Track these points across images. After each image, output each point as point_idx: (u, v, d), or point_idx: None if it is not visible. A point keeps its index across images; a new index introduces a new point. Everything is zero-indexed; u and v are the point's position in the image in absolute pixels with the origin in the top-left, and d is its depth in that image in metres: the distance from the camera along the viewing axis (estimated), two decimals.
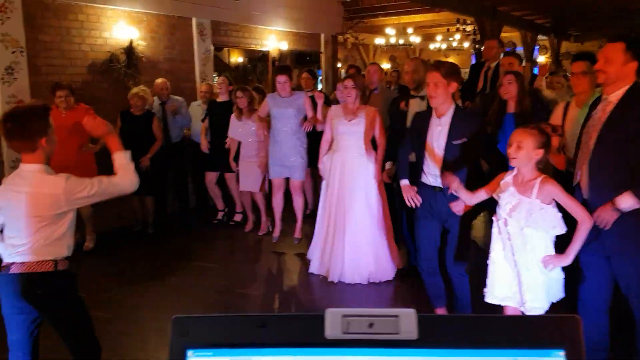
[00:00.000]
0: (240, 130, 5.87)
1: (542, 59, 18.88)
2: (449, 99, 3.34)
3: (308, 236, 5.59)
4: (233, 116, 5.90)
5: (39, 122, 2.26)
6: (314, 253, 4.97)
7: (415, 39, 14.78)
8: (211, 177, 6.47)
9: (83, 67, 6.18)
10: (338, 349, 0.55)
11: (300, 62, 16.81)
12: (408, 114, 4.37)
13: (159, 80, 6.49)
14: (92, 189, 2.31)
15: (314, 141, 6.36)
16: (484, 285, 4.05)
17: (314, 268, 4.92)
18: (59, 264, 2.34)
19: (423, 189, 3.53)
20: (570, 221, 2.69)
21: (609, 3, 10.87)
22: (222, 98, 6.36)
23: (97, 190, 2.32)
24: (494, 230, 2.90)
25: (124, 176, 2.40)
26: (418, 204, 3.49)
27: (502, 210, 2.80)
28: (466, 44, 17.37)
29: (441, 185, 3.40)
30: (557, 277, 2.78)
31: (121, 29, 6.49)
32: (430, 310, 4.02)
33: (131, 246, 5.51)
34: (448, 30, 14.90)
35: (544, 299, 2.78)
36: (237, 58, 14.30)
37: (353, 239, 4.68)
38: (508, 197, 2.78)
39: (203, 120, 6.40)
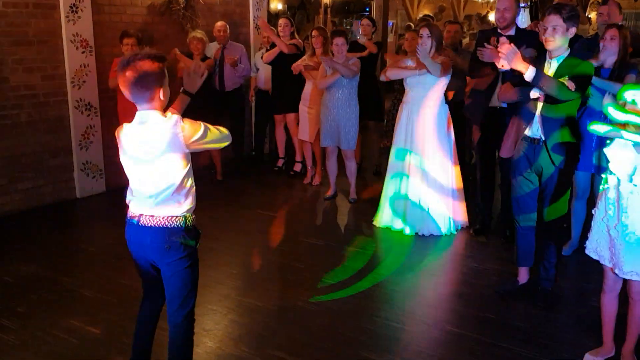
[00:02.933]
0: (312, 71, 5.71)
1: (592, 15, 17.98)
2: (565, 44, 3.20)
3: (362, 196, 5.60)
4: (305, 57, 5.77)
5: (157, 72, 2.20)
6: (380, 203, 4.92)
7: None
8: (279, 118, 6.47)
9: (143, 8, 6.06)
10: None
11: (341, 11, 16.24)
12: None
13: (219, 23, 6.35)
14: (204, 134, 2.24)
15: (375, 96, 6.24)
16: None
17: (378, 219, 4.89)
18: (188, 220, 2.32)
19: (523, 141, 3.41)
20: None
21: None
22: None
23: (208, 136, 2.25)
24: (602, 187, 2.76)
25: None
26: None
27: (618, 168, 2.66)
28: None
29: (540, 136, 3.31)
30: None
31: None
32: (508, 267, 3.95)
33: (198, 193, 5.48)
34: None
35: None
36: (276, 5, 13.92)
37: (422, 191, 4.61)
38: (628, 155, 2.63)
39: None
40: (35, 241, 4.53)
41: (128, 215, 2.37)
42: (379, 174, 6.26)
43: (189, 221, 2.33)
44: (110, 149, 5.77)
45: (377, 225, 4.85)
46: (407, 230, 4.65)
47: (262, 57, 6.34)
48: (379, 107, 6.45)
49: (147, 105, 2.23)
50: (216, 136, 2.30)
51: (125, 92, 2.23)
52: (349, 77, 5.15)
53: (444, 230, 4.64)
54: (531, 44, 4.00)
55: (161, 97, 2.25)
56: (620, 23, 4.29)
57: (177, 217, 2.29)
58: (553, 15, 3.19)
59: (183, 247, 2.32)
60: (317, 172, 6.15)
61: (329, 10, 9.27)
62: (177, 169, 2.25)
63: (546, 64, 3.32)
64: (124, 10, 5.87)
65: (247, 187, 6.06)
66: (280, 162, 6.72)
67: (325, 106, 5.33)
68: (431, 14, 17.10)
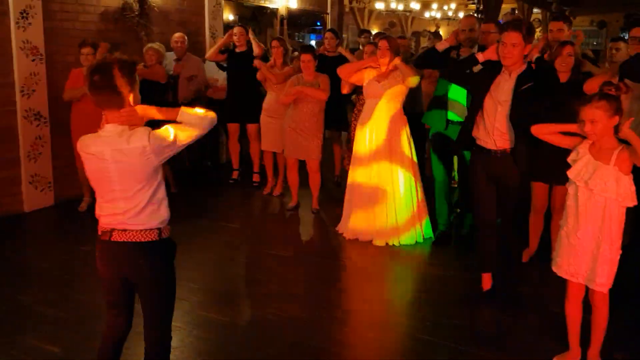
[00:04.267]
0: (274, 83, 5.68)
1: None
2: (521, 59, 3.29)
3: (325, 206, 5.57)
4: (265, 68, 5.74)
5: (127, 76, 2.13)
6: (344, 215, 4.91)
7: (415, 6, 14.57)
8: (234, 128, 6.36)
9: (96, 15, 5.89)
10: None
11: (293, 24, 16.27)
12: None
13: (177, 35, 6.29)
14: (174, 136, 2.16)
15: (338, 105, 6.24)
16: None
17: (342, 229, 4.88)
18: (162, 232, 2.23)
19: (477, 151, 3.50)
20: None
21: None
22: (239, 49, 6.16)
23: (179, 136, 2.16)
24: (568, 201, 2.84)
25: (194, 119, 2.23)
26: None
27: (578, 179, 2.75)
28: (461, 14, 17.21)
29: (497, 146, 3.39)
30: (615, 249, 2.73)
31: None
32: (470, 274, 4.02)
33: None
34: None
35: (611, 276, 2.73)
36: (227, 15, 13.81)
37: (385, 200, 4.63)
38: (584, 165, 2.72)
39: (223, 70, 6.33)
40: None
41: (99, 231, 2.26)
42: (340, 185, 6.28)
43: (163, 233, 2.25)
44: (60, 159, 5.54)
45: (344, 236, 4.82)
46: (374, 241, 4.65)
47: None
48: (342, 116, 6.43)
49: (116, 113, 2.14)
50: (186, 134, 2.19)
51: (95, 98, 2.13)
52: (323, 99, 5.16)
53: (409, 240, 4.67)
54: (492, 62, 4.10)
55: (131, 102, 2.17)
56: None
57: (151, 230, 2.20)
58: (513, 32, 3.24)
59: (159, 262, 2.24)
60: (279, 183, 6.10)
61: (285, 22, 9.27)
62: (148, 180, 2.16)
63: (502, 76, 3.38)
64: (76, 17, 5.68)
65: (206, 199, 5.94)
66: (235, 174, 6.59)
67: (292, 120, 5.28)
68: (378, 30, 17.47)
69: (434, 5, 16.79)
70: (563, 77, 3.89)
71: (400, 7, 13.97)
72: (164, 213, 2.24)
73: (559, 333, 3.13)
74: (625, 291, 3.21)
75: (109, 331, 2.39)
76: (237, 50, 6.22)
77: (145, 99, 5.71)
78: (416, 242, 4.70)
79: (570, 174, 2.79)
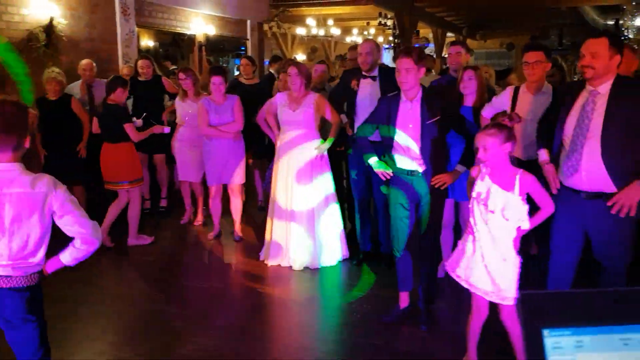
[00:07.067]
0: (185, 112, 5.58)
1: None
2: (418, 83, 3.41)
3: (248, 234, 5.52)
4: (177, 99, 5.64)
5: (23, 119, 2.10)
6: (265, 242, 4.87)
7: (336, 31, 14.91)
8: (140, 158, 6.14)
9: None
10: None
11: (216, 49, 16.28)
12: (357, 94, 4.48)
13: (84, 62, 6.06)
14: (78, 208, 2.13)
15: (257, 132, 6.22)
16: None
17: (264, 256, 4.85)
18: (40, 274, 2.18)
19: (396, 173, 3.57)
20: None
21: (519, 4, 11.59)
22: (142, 77, 6.10)
23: (78, 212, 2.12)
24: (471, 217, 2.94)
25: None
26: (389, 176, 3.54)
27: (479, 200, 2.85)
28: (380, 39, 17.80)
29: (417, 169, 3.48)
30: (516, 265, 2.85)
31: (40, 6, 5.97)
32: (390, 292, 4.07)
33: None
34: (368, 23, 15.19)
35: (514, 287, 2.83)
36: (147, 41, 13.53)
37: (304, 225, 4.64)
38: (482, 186, 2.83)
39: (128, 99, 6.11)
40: None
41: None
42: (264, 209, 6.22)
43: (40, 275, 2.18)
44: None
45: (266, 262, 4.79)
46: (295, 266, 4.64)
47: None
48: (262, 143, 6.40)
49: (10, 154, 2.06)
50: (84, 217, 2.14)
51: None
52: (239, 130, 5.15)
53: (329, 262, 4.70)
54: (393, 82, 4.22)
55: (26, 144, 2.12)
56: (470, 64, 4.67)
57: (34, 274, 2.13)
58: (405, 58, 3.38)
59: (38, 305, 2.17)
60: (199, 212, 5.97)
61: (203, 48, 9.21)
62: (38, 226, 2.07)
63: (405, 104, 3.48)
64: None
65: (115, 231, 5.69)
66: (147, 204, 6.37)
67: (208, 144, 5.20)
68: (302, 55, 17.71)
69: (355, 31, 17.26)
70: (468, 100, 4.07)
71: (322, 32, 14.25)
72: (43, 254, 2.17)
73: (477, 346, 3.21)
74: None
75: None
76: (141, 79, 6.13)
77: (59, 125, 5.41)
78: (337, 262, 4.74)
79: (473, 193, 2.90)
